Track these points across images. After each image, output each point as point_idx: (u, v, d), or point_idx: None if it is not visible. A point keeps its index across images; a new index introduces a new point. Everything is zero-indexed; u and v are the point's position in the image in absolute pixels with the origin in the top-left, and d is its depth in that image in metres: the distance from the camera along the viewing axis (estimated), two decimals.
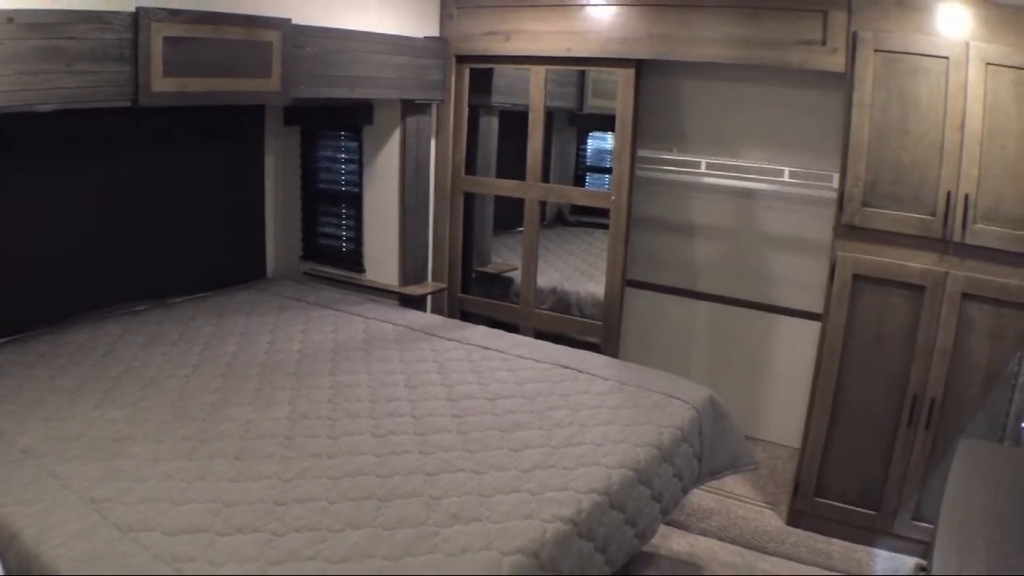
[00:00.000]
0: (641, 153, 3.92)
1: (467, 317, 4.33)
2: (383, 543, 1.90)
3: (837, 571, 3.05)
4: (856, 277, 3.05)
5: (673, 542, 3.17)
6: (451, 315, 4.32)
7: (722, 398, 2.98)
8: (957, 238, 2.87)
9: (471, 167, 4.30)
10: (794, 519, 3.34)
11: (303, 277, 4.51)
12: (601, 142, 5.30)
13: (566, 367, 3.12)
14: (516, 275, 4.39)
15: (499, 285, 4.62)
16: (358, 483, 2.17)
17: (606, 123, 4.33)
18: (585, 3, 3.70)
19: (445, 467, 2.29)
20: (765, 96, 3.82)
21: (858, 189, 3.01)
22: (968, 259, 2.87)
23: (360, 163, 4.26)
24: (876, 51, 2.91)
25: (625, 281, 3.94)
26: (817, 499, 3.27)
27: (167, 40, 2.65)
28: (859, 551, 3.17)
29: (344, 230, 4.47)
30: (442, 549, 1.89)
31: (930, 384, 2.96)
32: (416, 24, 3.94)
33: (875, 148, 2.96)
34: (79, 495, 2.02)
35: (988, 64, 2.75)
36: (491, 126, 4.39)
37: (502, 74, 4.25)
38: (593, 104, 4.62)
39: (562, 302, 4.35)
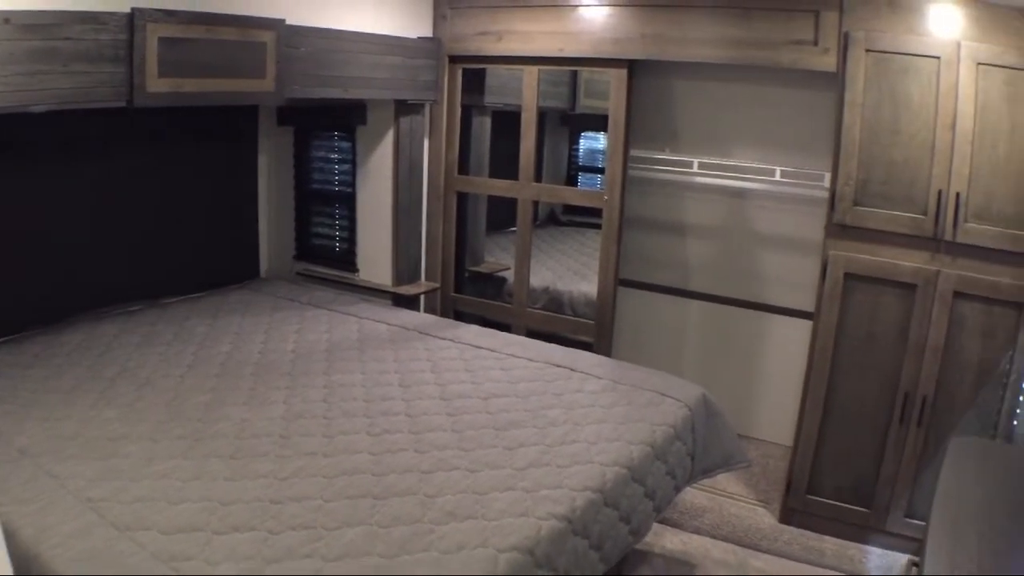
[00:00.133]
0: (633, 153, 3.94)
1: (460, 317, 4.33)
2: (379, 541, 1.90)
3: (830, 568, 3.06)
4: (848, 276, 3.07)
5: (666, 540, 3.19)
6: (444, 315, 4.32)
7: (715, 396, 3.00)
8: (948, 237, 2.89)
9: (464, 167, 4.31)
10: (787, 517, 3.36)
11: (296, 277, 4.51)
12: (593, 142, 5.32)
13: (559, 366, 3.13)
14: (509, 275, 4.40)
15: (492, 285, 4.62)
16: (354, 481, 2.18)
17: (598, 123, 4.34)
18: (577, 3, 3.71)
19: (440, 465, 2.29)
20: (757, 96, 3.84)
21: (849, 188, 3.03)
22: (959, 257, 2.89)
23: (353, 163, 4.26)
24: (867, 51, 2.93)
25: (618, 280, 3.95)
26: (809, 497, 3.29)
27: (162, 41, 2.65)
28: (852, 548, 3.19)
29: (337, 230, 4.47)
30: (438, 547, 1.89)
31: (922, 382, 2.99)
32: (409, 24, 3.95)
33: (866, 147, 2.98)
34: (76, 494, 2.02)
35: (979, 64, 2.77)
36: (484, 126, 4.39)
37: (495, 74, 4.25)
38: (585, 104, 4.63)
39: (555, 301, 4.36)
